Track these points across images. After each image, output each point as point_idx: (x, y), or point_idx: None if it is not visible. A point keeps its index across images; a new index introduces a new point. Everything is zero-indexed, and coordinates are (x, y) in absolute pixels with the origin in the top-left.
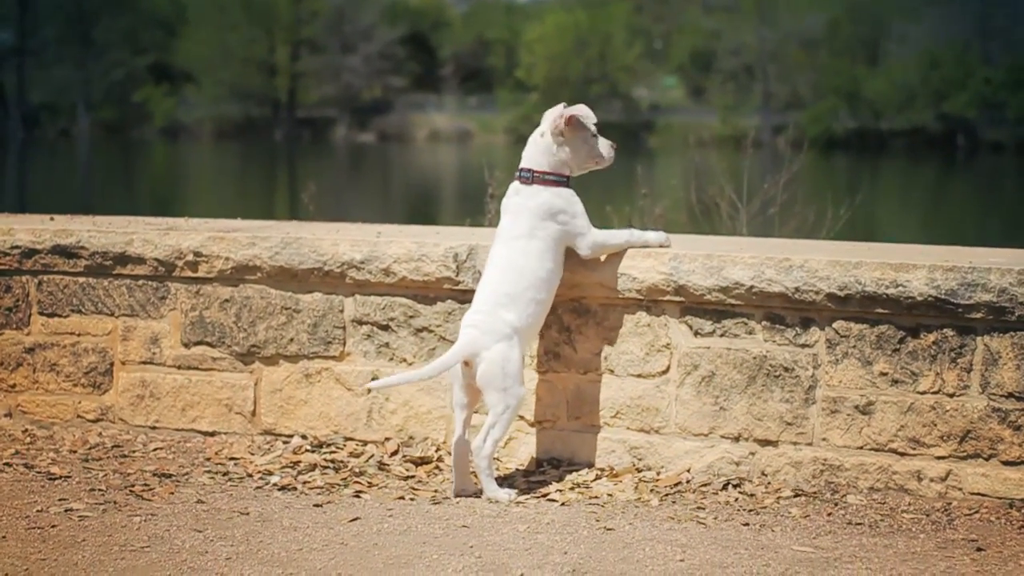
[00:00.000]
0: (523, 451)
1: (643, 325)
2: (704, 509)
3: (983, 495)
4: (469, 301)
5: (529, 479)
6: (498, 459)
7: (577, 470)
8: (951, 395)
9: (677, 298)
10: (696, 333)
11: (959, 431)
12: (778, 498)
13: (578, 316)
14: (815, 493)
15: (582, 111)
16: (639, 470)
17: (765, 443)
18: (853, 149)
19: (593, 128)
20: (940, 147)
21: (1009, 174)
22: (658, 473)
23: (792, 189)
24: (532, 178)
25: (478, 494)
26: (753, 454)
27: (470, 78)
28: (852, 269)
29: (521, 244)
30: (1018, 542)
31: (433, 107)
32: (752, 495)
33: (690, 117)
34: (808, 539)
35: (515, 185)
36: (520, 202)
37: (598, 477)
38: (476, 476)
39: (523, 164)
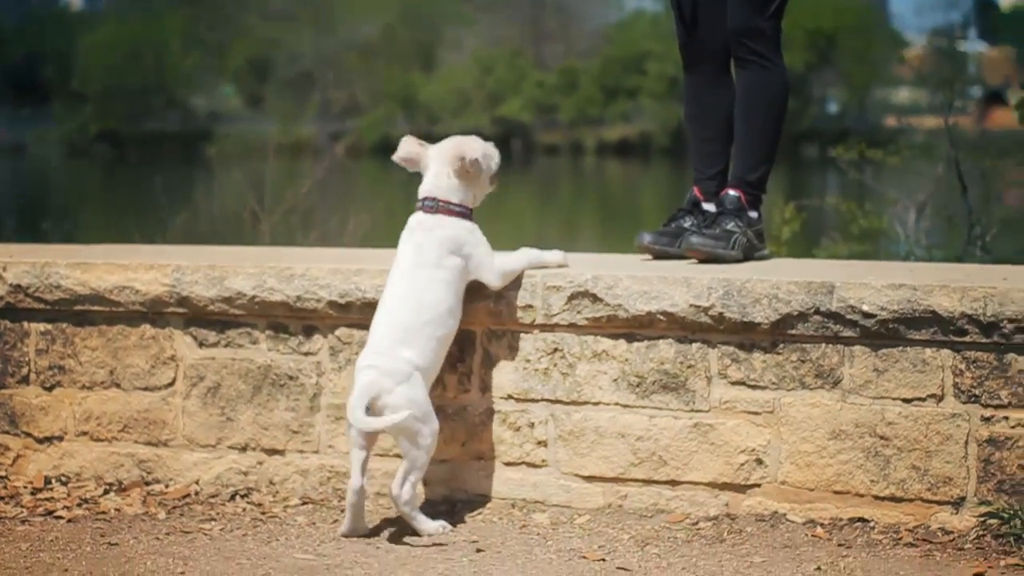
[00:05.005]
0: (31, 468)
1: (148, 338)
2: (212, 520)
3: (486, 496)
4: None
5: (37, 496)
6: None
7: (86, 485)
8: (454, 397)
9: (181, 309)
10: (201, 344)
11: (461, 433)
12: (286, 507)
13: (82, 329)
14: (322, 500)
15: (484, 151)
16: (147, 483)
17: (272, 452)
18: None
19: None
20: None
21: (564, 177)
22: (166, 486)
23: (318, 197)
24: (437, 207)
25: (368, 534)
26: (261, 463)
27: (24, 89)
28: (353, 276)
29: (425, 275)
30: (517, 541)
31: None
32: (260, 504)
33: (249, 125)
34: (312, 547)
35: (417, 216)
36: (423, 233)
37: (106, 492)
38: (400, 517)
39: (426, 194)
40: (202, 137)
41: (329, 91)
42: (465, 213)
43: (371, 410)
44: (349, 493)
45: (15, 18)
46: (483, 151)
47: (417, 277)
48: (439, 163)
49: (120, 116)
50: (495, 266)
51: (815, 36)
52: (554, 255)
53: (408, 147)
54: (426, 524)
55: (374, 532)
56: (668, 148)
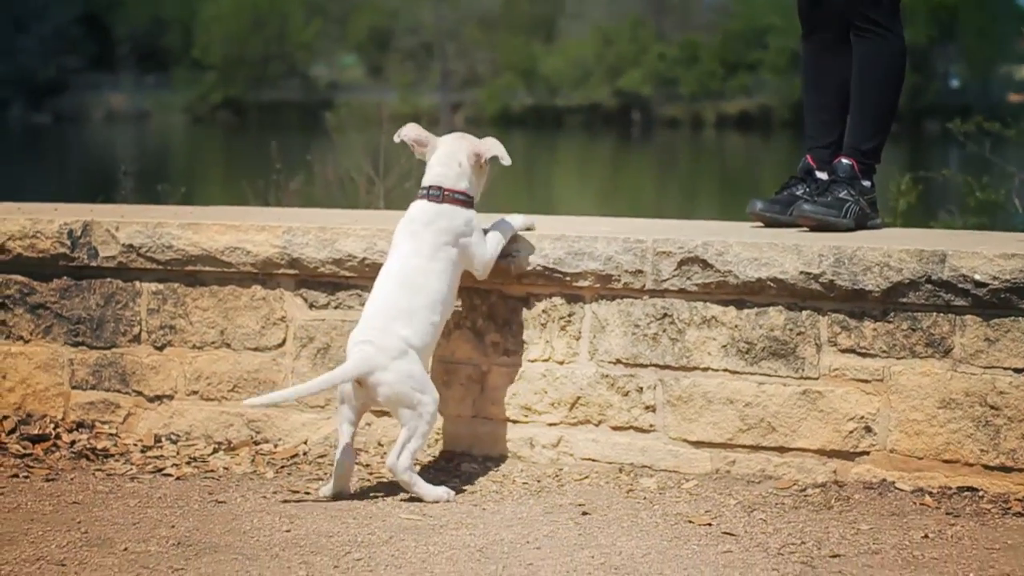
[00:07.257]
0: (141, 426)
1: (258, 299)
2: (320, 480)
3: (594, 460)
4: (85, 277)
5: (147, 454)
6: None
7: (195, 444)
8: (561, 362)
9: (292, 271)
10: (311, 305)
11: (569, 397)
12: None
13: (193, 289)
14: (431, 463)
15: (501, 151)
16: (256, 443)
17: (381, 414)
18: (530, 126)
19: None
20: (616, 123)
21: (683, 149)
22: (275, 446)
23: None
24: (442, 196)
25: (352, 496)
26: (370, 424)
27: (146, 57)
28: None
29: (421, 265)
30: (623, 505)
31: (109, 87)
32: (368, 465)
33: (370, 95)
34: (417, 507)
35: (418, 204)
36: (422, 225)
37: (216, 451)
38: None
39: (431, 182)
40: (322, 106)
41: (449, 62)
42: (469, 202)
43: (362, 385)
44: (336, 466)
45: None
46: (497, 150)
47: (414, 265)
48: (450, 154)
49: (242, 85)
50: (485, 258)
51: (938, 11)
52: (519, 219)
53: (418, 131)
54: (428, 490)
55: (481, 493)
56: (789, 121)
